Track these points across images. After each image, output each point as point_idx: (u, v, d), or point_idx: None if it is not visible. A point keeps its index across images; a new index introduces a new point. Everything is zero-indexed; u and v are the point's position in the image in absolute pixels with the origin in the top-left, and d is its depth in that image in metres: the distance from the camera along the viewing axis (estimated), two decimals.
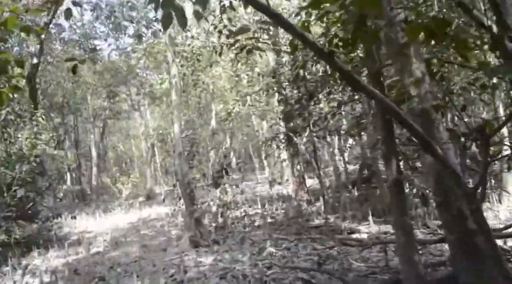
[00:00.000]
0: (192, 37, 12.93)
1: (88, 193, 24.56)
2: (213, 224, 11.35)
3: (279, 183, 19.59)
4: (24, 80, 17.04)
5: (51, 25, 19.00)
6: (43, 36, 15.68)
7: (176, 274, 7.10)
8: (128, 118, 27.78)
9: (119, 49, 24.60)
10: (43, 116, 13.23)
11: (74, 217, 14.26)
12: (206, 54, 13.31)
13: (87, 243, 10.67)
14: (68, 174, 28.03)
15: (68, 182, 28.19)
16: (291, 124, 11.81)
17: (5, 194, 10.20)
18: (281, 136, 12.61)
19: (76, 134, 25.95)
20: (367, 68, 4.87)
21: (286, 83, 11.21)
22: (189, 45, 13.16)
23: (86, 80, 21.75)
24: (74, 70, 3.34)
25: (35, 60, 15.88)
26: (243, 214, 12.87)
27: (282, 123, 13.06)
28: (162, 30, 9.98)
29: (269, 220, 11.44)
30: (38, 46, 15.91)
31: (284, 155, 18.72)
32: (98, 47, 24.72)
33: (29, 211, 11.03)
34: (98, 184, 21.44)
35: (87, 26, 23.04)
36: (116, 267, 8.18)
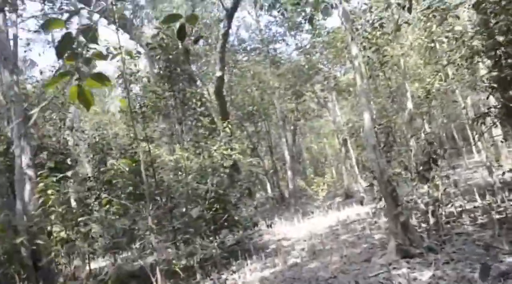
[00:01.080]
0: (370, 9, 11.11)
1: (286, 197, 24.66)
2: (423, 226, 9.30)
3: (498, 167, 15.95)
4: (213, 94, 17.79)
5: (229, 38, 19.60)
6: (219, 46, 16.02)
7: None
8: (318, 117, 27.08)
9: (298, 48, 24.18)
10: (230, 126, 13.15)
11: (270, 226, 13.89)
12: (388, 24, 11.37)
13: (284, 253, 9.85)
14: (267, 180, 28.89)
15: (268, 187, 29.08)
16: (510, 93, 9.00)
17: (202, 209, 10.13)
18: (495, 110, 9.74)
19: (269, 139, 26.47)
20: None
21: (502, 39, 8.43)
22: (367, 21, 11.38)
23: (270, 85, 21.76)
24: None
25: (218, 73, 16.31)
26: (459, 209, 10.39)
27: (495, 94, 10.13)
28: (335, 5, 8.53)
29: (496, 216, 8.81)
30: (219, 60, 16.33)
31: (499, 132, 15.31)
32: (278, 50, 24.80)
33: (226, 223, 10.82)
34: (294, 187, 21.09)
35: (264, 31, 23.28)
36: None
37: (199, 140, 12.22)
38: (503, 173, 10.99)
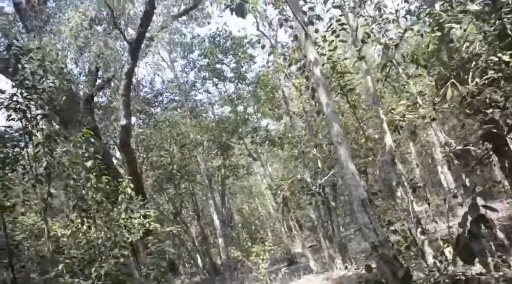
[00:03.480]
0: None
1: (220, 267, 20.88)
2: None
3: None
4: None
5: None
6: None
7: None
8: (248, 174, 24.02)
9: (222, 98, 21.56)
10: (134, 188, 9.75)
11: None
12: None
13: None
14: (196, 249, 24.82)
15: (198, 257, 24.93)
16: None
17: None
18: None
19: (195, 202, 22.84)
20: None
21: None
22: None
23: (191, 138, 18.58)
24: None
25: (123, 121, 12.90)
26: None
27: None
28: None
29: None
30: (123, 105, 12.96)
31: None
32: (200, 100, 21.94)
33: None
34: (228, 257, 17.45)
35: (181, 78, 20.42)
36: None
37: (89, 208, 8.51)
38: None
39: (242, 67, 19.67)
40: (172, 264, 15.23)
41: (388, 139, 7.39)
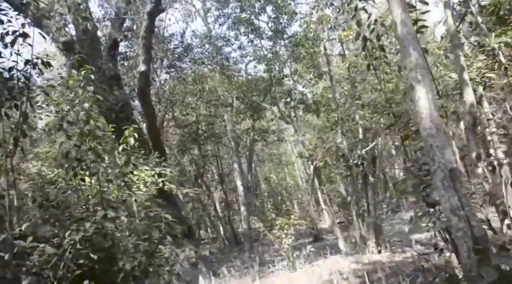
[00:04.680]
0: None
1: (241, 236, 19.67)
2: None
3: None
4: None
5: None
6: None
7: None
8: (279, 140, 22.22)
9: (258, 56, 19.61)
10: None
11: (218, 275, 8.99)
12: None
13: None
14: (215, 214, 23.64)
15: (220, 224, 23.77)
16: None
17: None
18: None
19: (220, 166, 21.41)
20: None
21: None
22: None
23: (219, 96, 16.88)
24: None
25: (142, 67, 11.35)
26: None
27: None
28: None
29: None
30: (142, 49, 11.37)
31: None
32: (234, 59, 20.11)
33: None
34: (249, 227, 16.06)
35: (214, 31, 18.55)
36: None
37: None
38: None
39: (281, 22, 17.67)
40: (189, 229, 14.02)
41: (470, 94, 5.45)
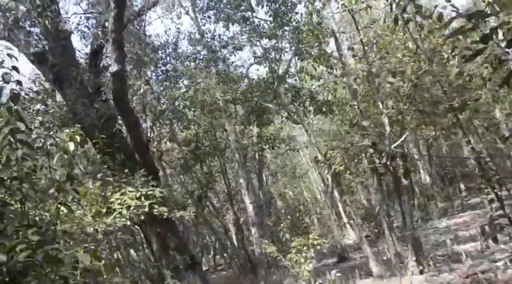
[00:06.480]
0: None
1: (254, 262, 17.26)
2: None
3: None
4: None
5: None
6: None
7: None
8: (290, 150, 19.79)
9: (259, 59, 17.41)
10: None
11: None
12: None
13: None
14: (226, 238, 21.28)
15: (229, 249, 21.33)
16: None
17: None
18: None
19: (227, 183, 19.12)
20: None
21: None
22: None
23: (216, 99, 14.72)
24: None
25: (114, 67, 9.24)
26: None
27: None
28: None
29: None
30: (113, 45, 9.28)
31: None
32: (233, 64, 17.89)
33: None
34: (261, 251, 13.68)
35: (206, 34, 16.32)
36: None
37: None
38: None
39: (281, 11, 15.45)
40: (192, 258, 11.76)
41: None
